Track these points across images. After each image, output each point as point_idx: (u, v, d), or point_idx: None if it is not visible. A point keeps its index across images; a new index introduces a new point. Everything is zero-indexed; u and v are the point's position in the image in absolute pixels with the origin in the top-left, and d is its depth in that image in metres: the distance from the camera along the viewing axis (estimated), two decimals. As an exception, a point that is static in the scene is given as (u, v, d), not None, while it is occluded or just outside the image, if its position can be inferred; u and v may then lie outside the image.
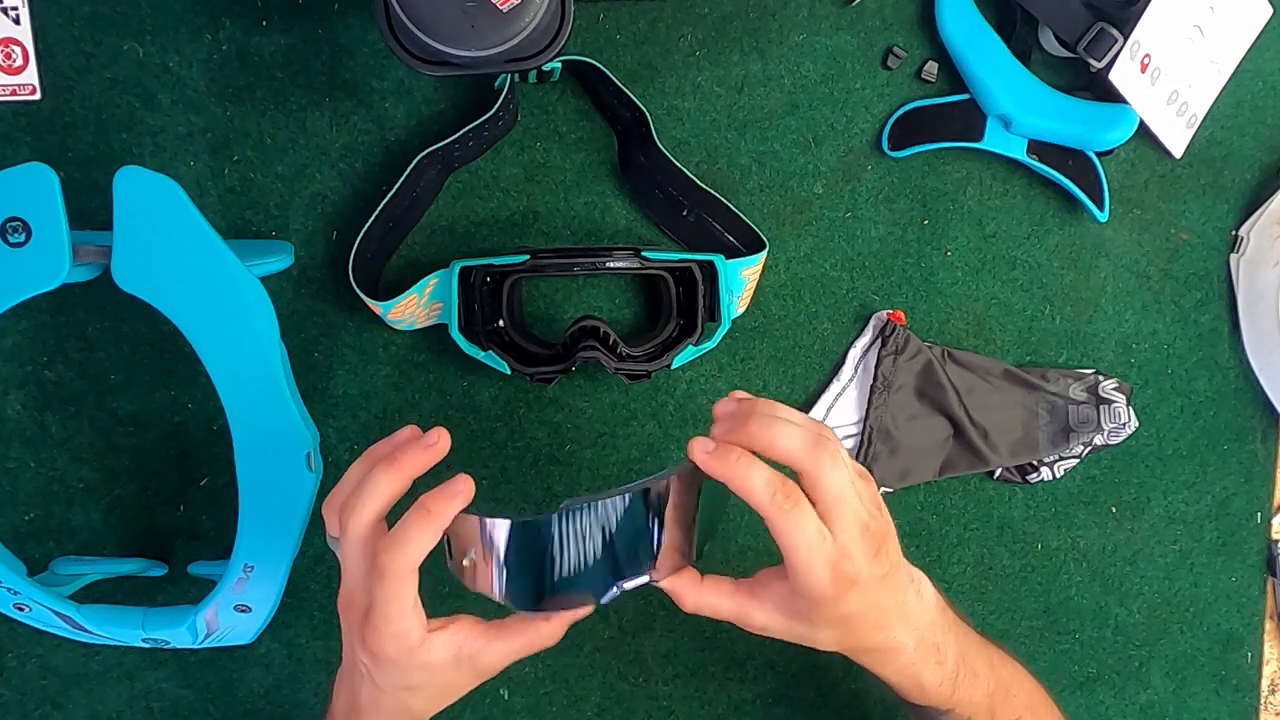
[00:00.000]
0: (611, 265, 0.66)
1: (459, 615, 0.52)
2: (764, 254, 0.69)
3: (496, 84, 0.66)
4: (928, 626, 0.55)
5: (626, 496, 0.50)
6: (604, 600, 0.52)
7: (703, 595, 0.53)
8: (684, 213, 0.70)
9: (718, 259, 0.67)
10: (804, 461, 0.49)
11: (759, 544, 0.75)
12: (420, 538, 0.48)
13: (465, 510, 0.49)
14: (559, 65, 0.65)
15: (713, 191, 0.69)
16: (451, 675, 0.53)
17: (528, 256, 0.66)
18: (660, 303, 0.71)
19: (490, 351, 0.67)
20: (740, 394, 0.55)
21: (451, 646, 0.51)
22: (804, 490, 0.50)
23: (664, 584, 0.52)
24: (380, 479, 0.50)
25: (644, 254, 0.66)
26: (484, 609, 0.54)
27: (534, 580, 0.51)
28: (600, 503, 0.50)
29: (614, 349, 0.67)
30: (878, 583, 0.51)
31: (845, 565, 0.49)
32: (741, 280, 0.68)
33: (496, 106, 0.65)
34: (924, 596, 0.55)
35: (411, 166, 0.66)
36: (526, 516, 0.50)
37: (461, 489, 0.49)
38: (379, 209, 0.66)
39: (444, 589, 0.72)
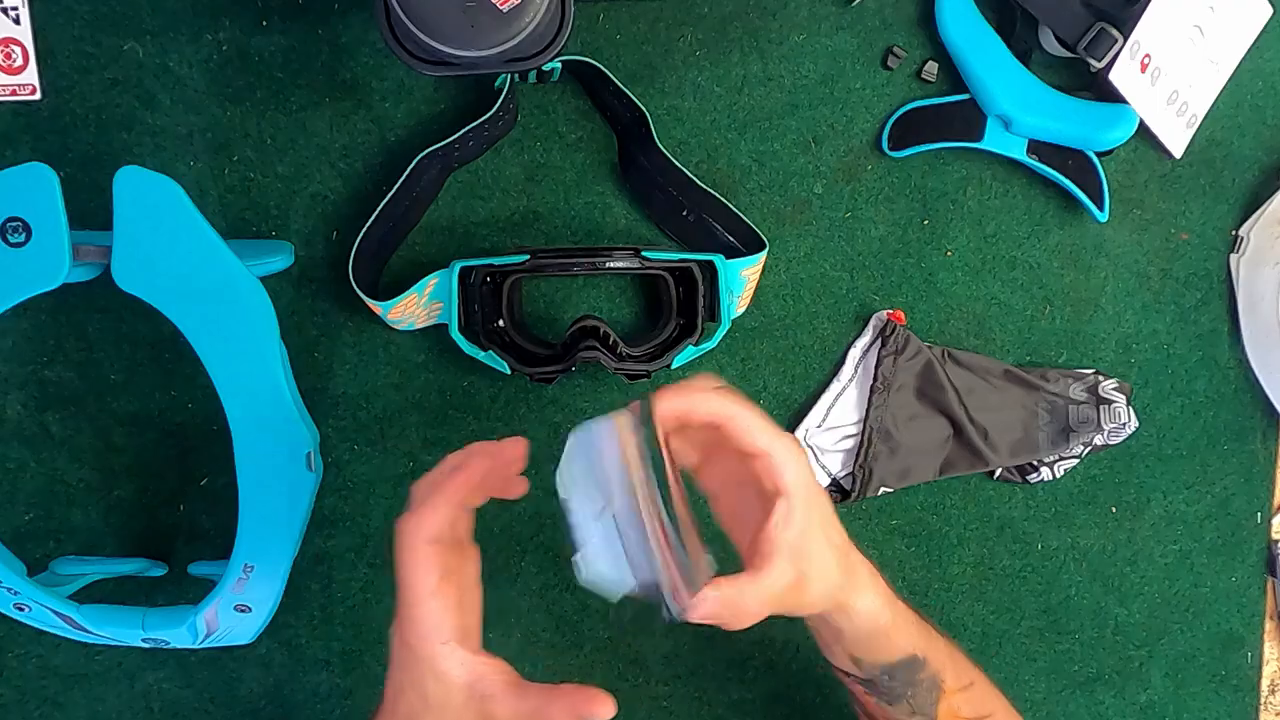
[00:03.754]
0: (611, 265, 0.66)
1: (497, 658, 0.50)
2: (764, 254, 0.69)
3: (496, 84, 0.66)
4: (875, 577, 0.55)
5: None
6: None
7: (737, 591, 0.50)
8: (684, 213, 0.70)
9: (718, 259, 0.67)
10: (771, 445, 0.50)
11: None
12: (429, 510, 0.48)
13: None
14: (559, 65, 0.65)
15: (712, 191, 0.69)
16: (461, 706, 0.49)
17: (528, 256, 0.66)
18: (660, 303, 0.71)
19: (490, 352, 0.67)
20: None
21: (470, 672, 0.48)
22: (761, 472, 0.50)
23: (704, 616, 0.49)
24: (475, 468, 0.50)
25: (644, 254, 0.66)
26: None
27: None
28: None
29: (614, 349, 0.67)
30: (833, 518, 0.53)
31: (813, 488, 0.51)
32: (741, 280, 0.68)
33: (496, 106, 0.65)
34: (867, 573, 0.55)
35: (411, 166, 0.66)
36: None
37: (478, 467, 0.49)
38: (379, 209, 0.66)
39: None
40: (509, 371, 0.67)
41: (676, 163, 0.69)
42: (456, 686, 0.48)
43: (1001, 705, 0.61)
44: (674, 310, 0.69)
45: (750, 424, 0.50)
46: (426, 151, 0.66)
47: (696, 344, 0.69)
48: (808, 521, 0.50)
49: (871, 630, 0.55)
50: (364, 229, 0.66)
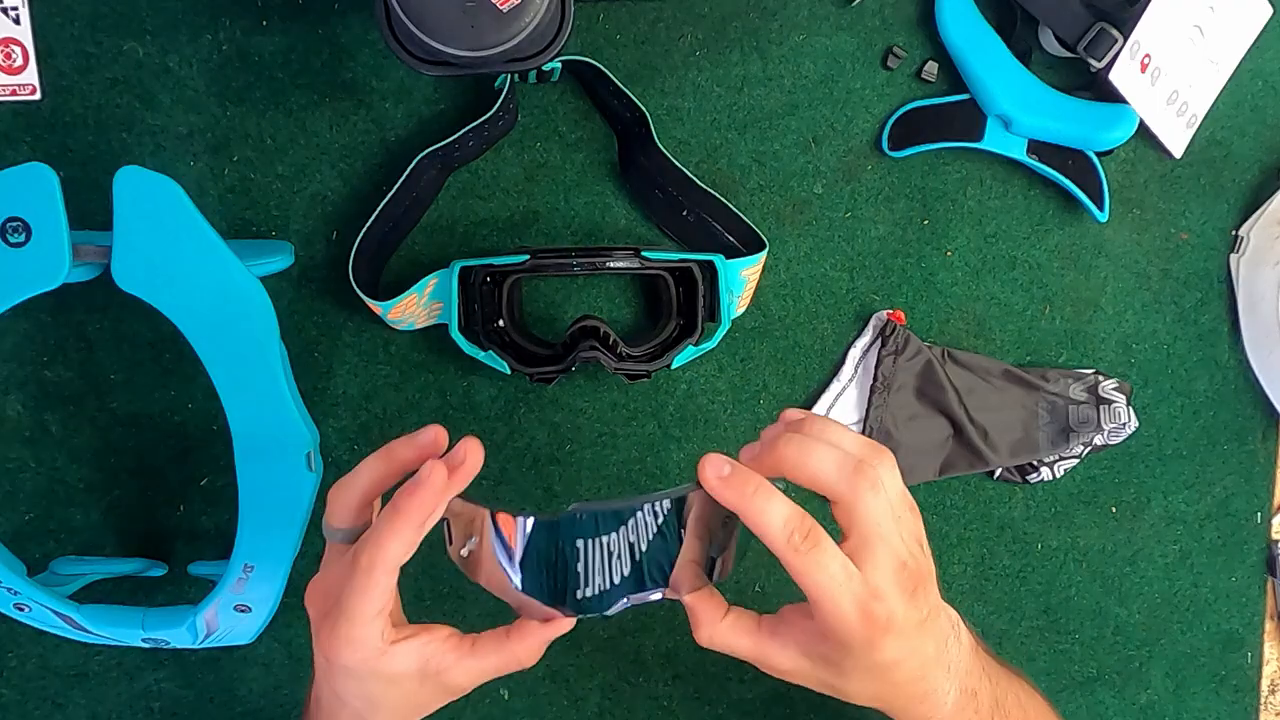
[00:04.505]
0: (611, 265, 0.66)
1: (433, 625, 0.49)
2: (764, 254, 0.69)
3: (496, 84, 0.66)
4: (966, 673, 0.51)
5: (660, 508, 0.46)
6: (610, 613, 0.49)
7: (718, 629, 0.49)
8: (684, 213, 0.70)
9: (718, 259, 0.67)
10: (837, 488, 0.45)
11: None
12: (395, 538, 0.45)
13: (470, 499, 0.47)
14: (559, 65, 0.66)
15: (712, 191, 0.69)
16: (415, 690, 0.48)
17: (528, 256, 0.66)
18: (659, 302, 0.72)
19: (490, 351, 0.67)
20: (793, 413, 0.50)
21: (418, 658, 0.47)
22: (838, 520, 0.46)
23: (686, 600, 0.49)
24: (365, 464, 0.48)
25: (644, 254, 0.66)
26: (482, 611, 0.53)
27: (551, 584, 0.48)
28: (631, 514, 0.47)
29: (614, 349, 0.67)
30: (916, 628, 0.46)
31: (877, 606, 0.45)
32: (741, 280, 0.68)
33: (496, 106, 0.65)
34: (962, 640, 0.51)
35: (411, 166, 0.66)
36: (545, 515, 0.47)
37: (430, 485, 0.45)
38: (379, 209, 0.66)
39: (444, 588, 0.73)
40: (509, 371, 0.67)
41: (676, 162, 0.69)
42: (408, 677, 0.47)
43: None
44: (674, 310, 0.69)
45: (802, 568, 0.45)
46: (426, 151, 0.66)
47: (696, 344, 0.68)
48: (840, 661, 0.47)
49: None
50: (364, 229, 0.66)
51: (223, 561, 0.62)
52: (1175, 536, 0.79)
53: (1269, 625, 0.81)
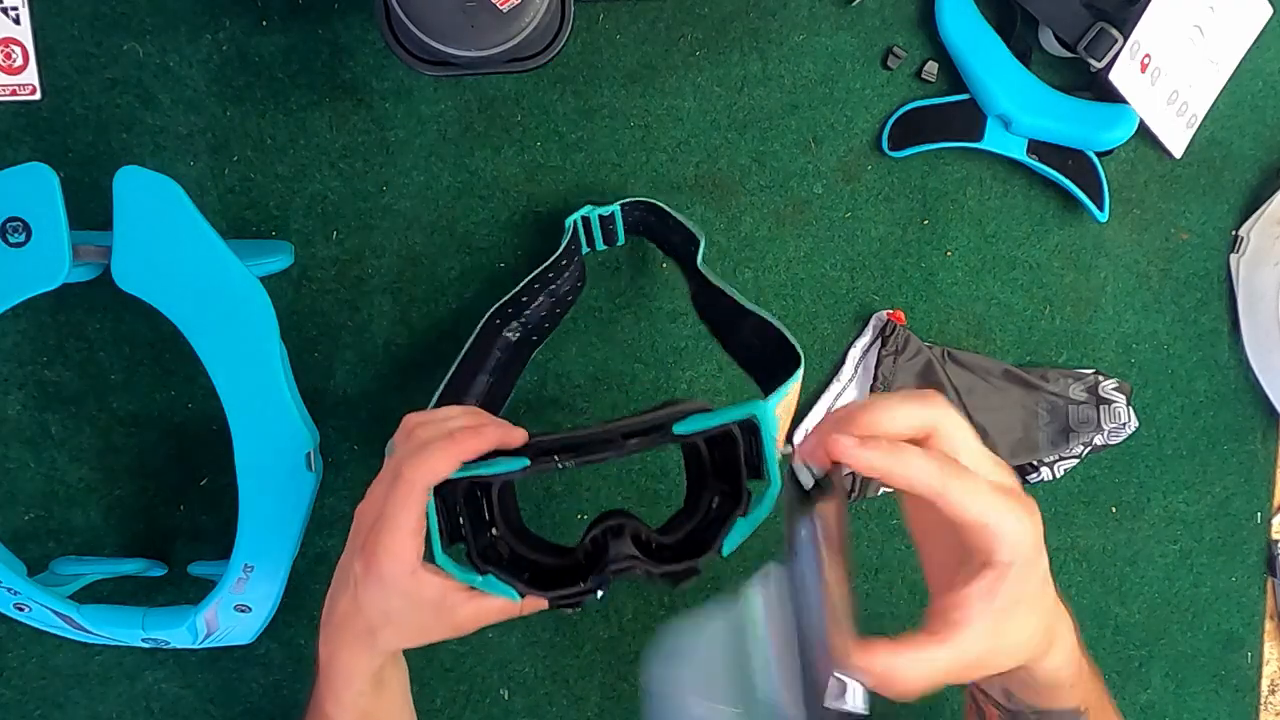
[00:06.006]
0: (635, 447, 0.52)
1: (447, 572, 0.53)
2: (798, 376, 0.58)
3: (564, 241, 0.65)
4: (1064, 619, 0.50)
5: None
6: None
7: (905, 663, 0.44)
8: (737, 332, 0.64)
9: (757, 408, 0.51)
10: (935, 487, 0.44)
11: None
12: (444, 459, 0.49)
13: None
14: (621, 230, 0.66)
15: (748, 305, 0.63)
16: (427, 618, 0.52)
17: (526, 462, 0.51)
18: (682, 463, 0.58)
19: (489, 576, 0.52)
20: (840, 412, 0.49)
21: (439, 590, 0.51)
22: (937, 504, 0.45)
23: (862, 662, 0.43)
24: (468, 442, 0.51)
25: (675, 429, 0.51)
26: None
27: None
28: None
29: (649, 547, 0.53)
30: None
31: (1025, 505, 0.45)
32: (776, 419, 0.54)
33: (557, 254, 0.64)
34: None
35: (479, 327, 0.65)
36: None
37: (485, 437, 0.50)
38: (449, 376, 0.66)
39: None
40: (519, 598, 0.52)
41: (716, 282, 0.64)
42: (426, 603, 0.51)
43: None
44: (706, 476, 0.55)
45: (964, 497, 0.44)
46: (494, 308, 0.65)
47: (745, 514, 0.53)
48: (1019, 593, 0.45)
49: (1050, 683, 0.50)
50: (438, 393, 0.65)
51: (223, 561, 0.62)
52: (1175, 536, 0.79)
53: (1269, 625, 0.81)
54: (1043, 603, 0.47)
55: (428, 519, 0.51)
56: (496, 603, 0.53)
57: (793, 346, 0.60)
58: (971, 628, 0.44)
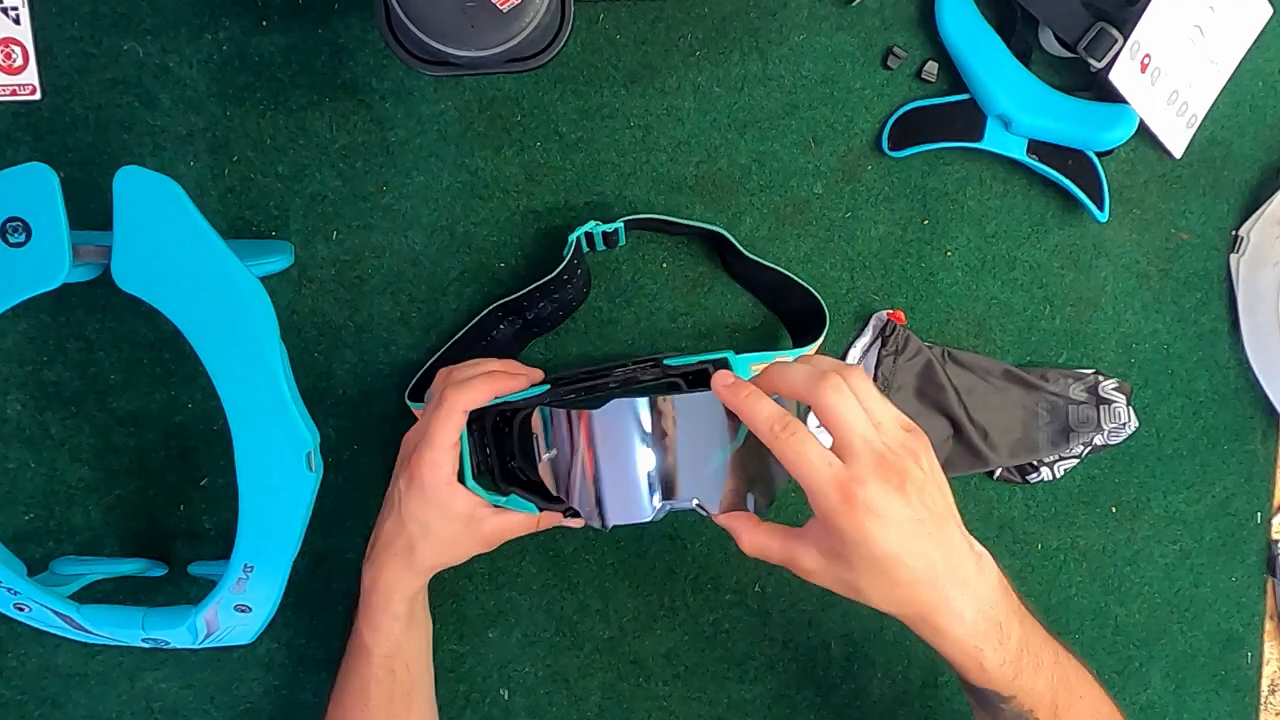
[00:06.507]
0: (641, 380, 0.64)
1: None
2: (779, 354, 0.68)
3: (564, 252, 0.67)
4: (989, 602, 0.53)
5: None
6: (655, 517, 0.58)
7: (758, 536, 0.56)
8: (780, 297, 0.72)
9: (729, 355, 0.66)
10: (808, 394, 0.52)
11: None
12: (480, 390, 0.60)
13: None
14: (621, 227, 0.68)
15: (781, 270, 0.71)
16: (459, 530, 0.61)
17: (548, 387, 0.63)
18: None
19: (512, 495, 0.63)
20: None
21: (469, 504, 0.60)
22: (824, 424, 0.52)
23: (722, 520, 0.58)
24: (502, 381, 0.61)
25: (666, 363, 0.65)
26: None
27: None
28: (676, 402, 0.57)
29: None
30: (913, 525, 0.51)
31: (857, 489, 0.50)
32: (751, 374, 0.64)
33: (561, 267, 0.65)
34: (985, 570, 0.54)
35: (480, 317, 0.69)
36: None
37: (517, 379, 0.61)
38: (443, 349, 0.69)
39: (445, 589, 0.73)
40: (538, 511, 0.63)
41: (760, 260, 0.70)
42: (459, 516, 0.60)
43: None
44: None
45: (787, 451, 0.52)
46: (498, 304, 0.68)
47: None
48: (851, 537, 0.51)
49: (955, 661, 0.54)
50: (426, 365, 0.69)
51: (223, 561, 0.62)
52: (1175, 536, 0.79)
53: (1269, 625, 0.81)
54: (890, 581, 0.51)
55: (461, 443, 0.60)
56: (518, 517, 0.62)
57: (822, 318, 0.70)
58: (805, 550, 0.54)
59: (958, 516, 0.53)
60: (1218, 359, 0.78)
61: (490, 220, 0.71)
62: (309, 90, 0.68)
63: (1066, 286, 0.75)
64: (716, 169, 0.71)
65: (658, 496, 0.58)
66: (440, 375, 0.63)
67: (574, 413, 0.58)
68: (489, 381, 0.61)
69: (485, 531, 0.61)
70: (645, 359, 0.66)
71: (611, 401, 0.57)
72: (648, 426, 0.58)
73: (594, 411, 0.58)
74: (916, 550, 0.51)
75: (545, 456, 0.60)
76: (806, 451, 0.51)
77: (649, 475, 0.58)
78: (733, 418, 0.57)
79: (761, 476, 0.59)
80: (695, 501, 0.58)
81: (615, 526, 0.59)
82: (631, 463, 0.58)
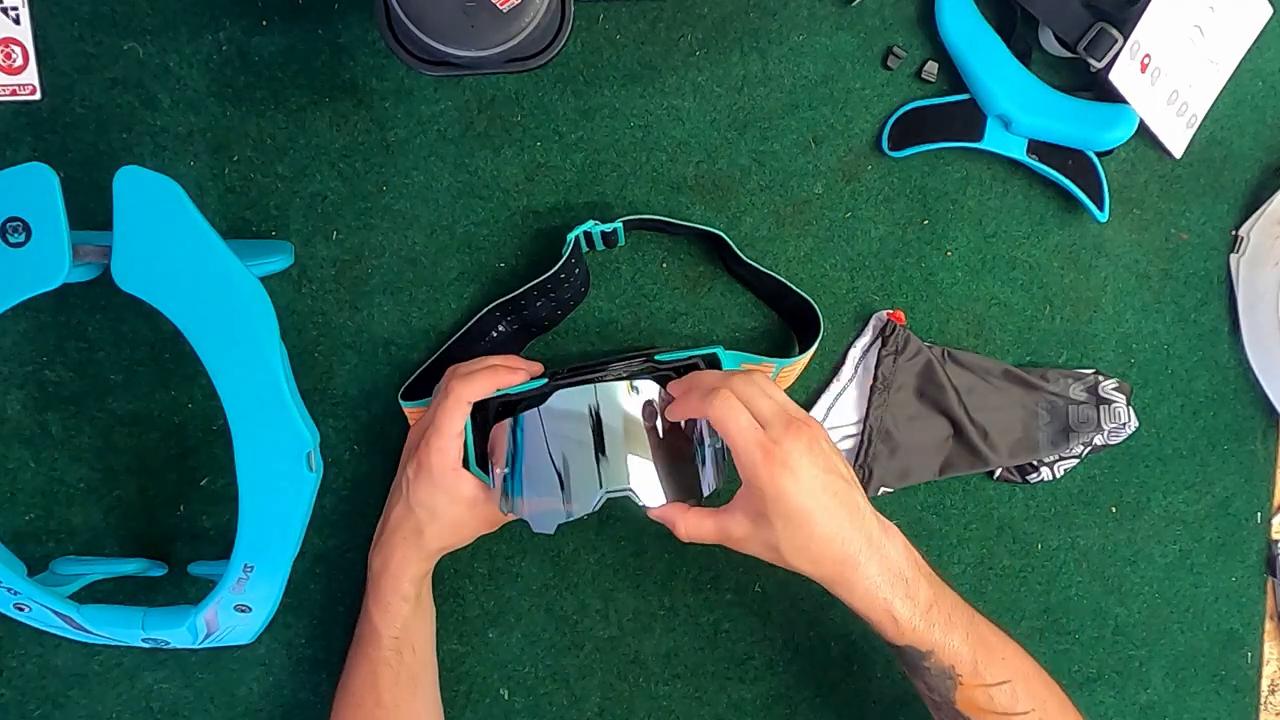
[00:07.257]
0: (629, 373, 0.65)
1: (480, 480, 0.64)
2: (805, 356, 0.71)
3: (563, 251, 0.67)
4: (895, 559, 0.58)
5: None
6: (593, 508, 0.60)
7: (690, 520, 0.60)
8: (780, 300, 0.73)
9: (719, 351, 0.67)
10: (700, 411, 0.59)
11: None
12: (483, 382, 0.63)
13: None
14: (620, 227, 0.68)
15: (777, 276, 0.71)
16: (465, 513, 0.64)
17: (545, 380, 0.65)
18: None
19: None
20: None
21: (474, 488, 0.63)
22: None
23: (656, 513, 0.61)
24: (504, 374, 0.64)
25: (657, 358, 0.66)
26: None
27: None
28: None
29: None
30: (825, 484, 0.57)
31: (774, 448, 0.56)
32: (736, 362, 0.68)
33: (559, 265, 0.66)
34: (891, 536, 0.59)
35: (478, 316, 0.69)
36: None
37: (519, 373, 0.65)
38: (441, 350, 0.70)
39: (445, 588, 0.73)
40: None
41: (754, 265, 0.70)
42: (464, 499, 0.63)
43: (1054, 702, 0.62)
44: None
45: (722, 424, 0.58)
46: (496, 303, 0.68)
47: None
48: (774, 509, 0.56)
49: (868, 615, 0.59)
50: (423, 366, 0.70)
51: (223, 561, 0.62)
52: (1175, 536, 0.79)
53: (1269, 625, 0.81)
54: (805, 536, 0.57)
55: (465, 432, 0.63)
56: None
57: (816, 325, 0.71)
58: (734, 520, 0.59)
59: (862, 490, 0.59)
60: (1218, 359, 0.78)
61: (490, 220, 0.71)
62: (309, 90, 0.68)
63: (1066, 286, 0.75)
64: (716, 169, 0.71)
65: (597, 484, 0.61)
66: (447, 373, 0.66)
67: (524, 415, 0.62)
68: (491, 375, 0.64)
69: (488, 513, 0.64)
70: (637, 353, 0.68)
71: (554, 394, 0.62)
72: (589, 417, 0.61)
73: (539, 408, 0.62)
74: (827, 506, 0.56)
75: (499, 471, 0.63)
76: (739, 417, 0.57)
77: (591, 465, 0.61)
78: (654, 416, 0.62)
79: (686, 479, 0.63)
80: (627, 489, 0.60)
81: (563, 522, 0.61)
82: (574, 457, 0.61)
